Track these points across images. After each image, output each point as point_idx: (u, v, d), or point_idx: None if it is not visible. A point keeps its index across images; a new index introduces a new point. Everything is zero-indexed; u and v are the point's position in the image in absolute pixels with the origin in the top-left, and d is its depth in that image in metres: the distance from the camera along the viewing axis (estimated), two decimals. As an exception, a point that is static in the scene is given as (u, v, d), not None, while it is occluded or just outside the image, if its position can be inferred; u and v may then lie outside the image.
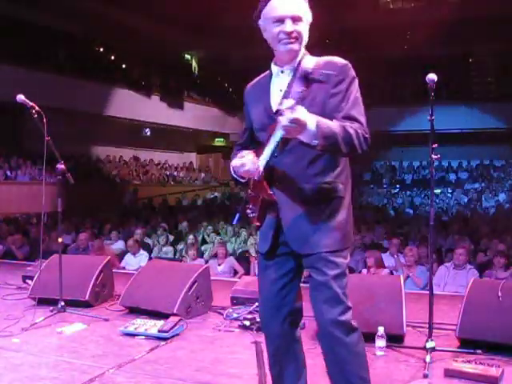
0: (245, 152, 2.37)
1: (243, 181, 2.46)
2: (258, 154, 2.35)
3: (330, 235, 2.32)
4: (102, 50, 19.83)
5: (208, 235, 10.54)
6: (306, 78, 2.20)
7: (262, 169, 2.32)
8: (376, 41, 16.88)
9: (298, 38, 2.31)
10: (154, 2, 15.38)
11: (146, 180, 20.39)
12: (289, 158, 2.32)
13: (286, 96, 2.26)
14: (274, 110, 2.32)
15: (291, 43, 2.30)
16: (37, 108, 4.43)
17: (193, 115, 22.23)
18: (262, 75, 2.52)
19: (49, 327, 4.40)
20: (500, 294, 3.83)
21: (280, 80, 2.38)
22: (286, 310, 2.48)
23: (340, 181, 2.36)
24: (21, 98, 4.47)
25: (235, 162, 2.38)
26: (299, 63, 2.33)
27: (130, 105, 19.14)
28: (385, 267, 6.65)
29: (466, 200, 19.26)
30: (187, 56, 24.19)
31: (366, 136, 2.22)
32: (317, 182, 2.32)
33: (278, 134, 2.19)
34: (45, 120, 4.40)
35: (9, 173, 15.15)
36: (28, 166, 15.59)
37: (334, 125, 2.16)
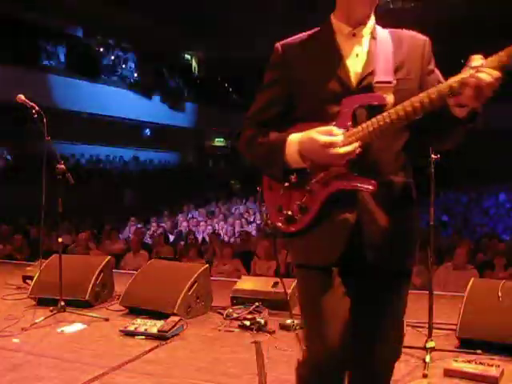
0: (326, 128, 1.77)
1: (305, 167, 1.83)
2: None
3: (411, 249, 1.91)
4: (102, 50, 19.83)
5: (208, 235, 10.54)
6: (396, 46, 1.86)
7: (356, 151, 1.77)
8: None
9: None
10: (153, 2, 15.38)
11: (146, 180, 20.38)
12: (381, 141, 1.80)
13: (368, 62, 1.85)
14: (355, 81, 1.83)
15: None
16: (37, 108, 4.44)
17: (193, 115, 22.23)
18: (309, 33, 1.96)
19: (49, 327, 4.41)
20: (500, 294, 3.83)
21: (353, 43, 1.89)
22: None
23: (412, 179, 1.94)
24: (21, 97, 4.47)
25: (315, 139, 1.76)
26: (374, 28, 1.92)
27: (130, 105, 19.14)
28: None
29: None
30: (187, 56, 24.20)
31: None
32: (404, 176, 1.88)
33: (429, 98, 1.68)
34: (45, 120, 4.41)
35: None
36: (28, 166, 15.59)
37: None
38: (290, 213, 1.87)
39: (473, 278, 4.32)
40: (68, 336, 4.24)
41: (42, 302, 4.94)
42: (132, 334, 4.17)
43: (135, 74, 20.60)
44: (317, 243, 1.86)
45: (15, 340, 4.09)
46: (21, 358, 3.69)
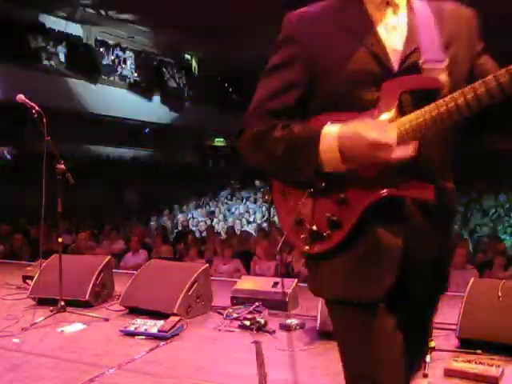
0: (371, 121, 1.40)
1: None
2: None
3: (450, 268, 1.62)
4: (101, 50, 19.85)
5: (208, 235, 10.55)
6: (439, 19, 1.50)
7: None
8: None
9: None
10: (154, 2, 15.40)
11: (146, 180, 20.38)
12: (437, 136, 1.43)
13: (410, 38, 1.48)
14: (397, 60, 1.46)
15: None
16: (37, 108, 4.44)
17: (193, 115, 22.24)
18: (329, 1, 1.56)
19: (49, 327, 4.40)
20: (500, 293, 3.83)
21: (387, 13, 1.51)
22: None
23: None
24: (21, 97, 4.47)
25: (363, 134, 1.35)
26: None
27: (130, 105, 19.16)
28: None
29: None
30: (187, 56, 24.21)
31: None
32: (452, 181, 1.55)
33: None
34: (45, 120, 4.41)
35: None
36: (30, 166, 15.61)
37: None
38: (314, 228, 1.47)
39: (473, 278, 4.32)
40: (68, 336, 4.24)
41: (42, 302, 4.94)
42: (132, 334, 4.17)
43: (135, 74, 20.62)
44: (356, 272, 1.46)
45: (15, 340, 4.09)
46: (21, 358, 3.69)
